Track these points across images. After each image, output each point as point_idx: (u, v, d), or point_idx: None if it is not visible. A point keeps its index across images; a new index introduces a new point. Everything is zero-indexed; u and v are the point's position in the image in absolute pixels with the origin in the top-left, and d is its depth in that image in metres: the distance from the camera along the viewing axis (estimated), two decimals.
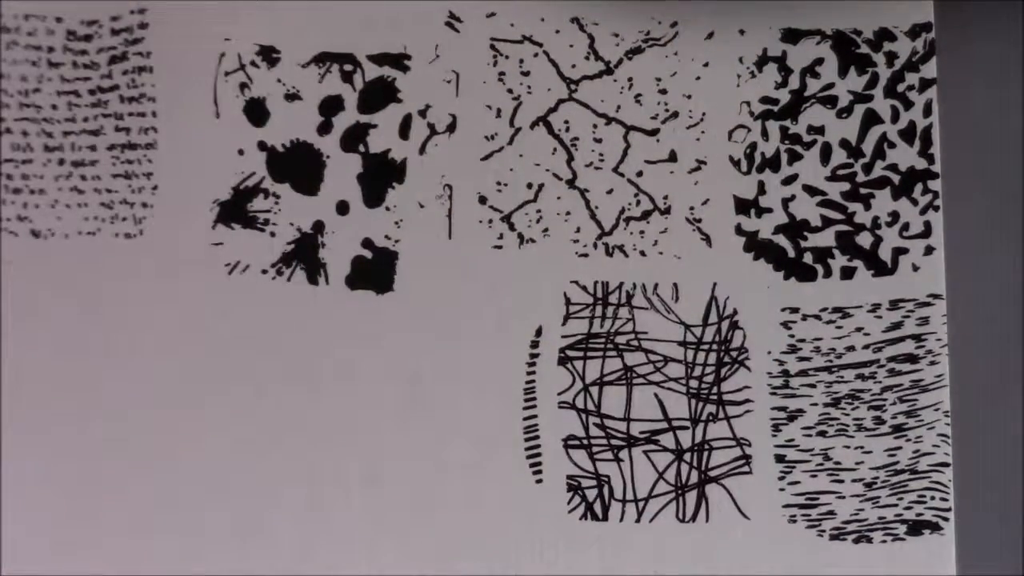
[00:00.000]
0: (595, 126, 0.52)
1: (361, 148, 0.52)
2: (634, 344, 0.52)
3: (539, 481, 0.51)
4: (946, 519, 0.50)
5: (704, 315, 0.52)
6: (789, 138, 0.52)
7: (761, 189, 0.52)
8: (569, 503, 0.51)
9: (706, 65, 0.52)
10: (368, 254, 0.52)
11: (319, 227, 0.52)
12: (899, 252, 0.51)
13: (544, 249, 0.52)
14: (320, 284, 0.52)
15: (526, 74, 0.52)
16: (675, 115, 0.52)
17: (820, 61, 0.52)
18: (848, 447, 0.51)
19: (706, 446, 0.51)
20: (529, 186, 0.52)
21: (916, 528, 0.51)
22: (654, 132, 0.52)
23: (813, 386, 0.51)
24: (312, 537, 0.51)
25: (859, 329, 0.51)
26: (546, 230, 0.52)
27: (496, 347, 0.51)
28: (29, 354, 0.52)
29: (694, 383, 0.51)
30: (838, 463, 0.51)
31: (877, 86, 0.51)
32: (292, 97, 0.52)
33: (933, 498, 0.51)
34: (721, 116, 0.52)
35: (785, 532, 0.51)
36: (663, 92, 0.52)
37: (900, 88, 0.51)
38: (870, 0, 0.51)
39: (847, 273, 0.51)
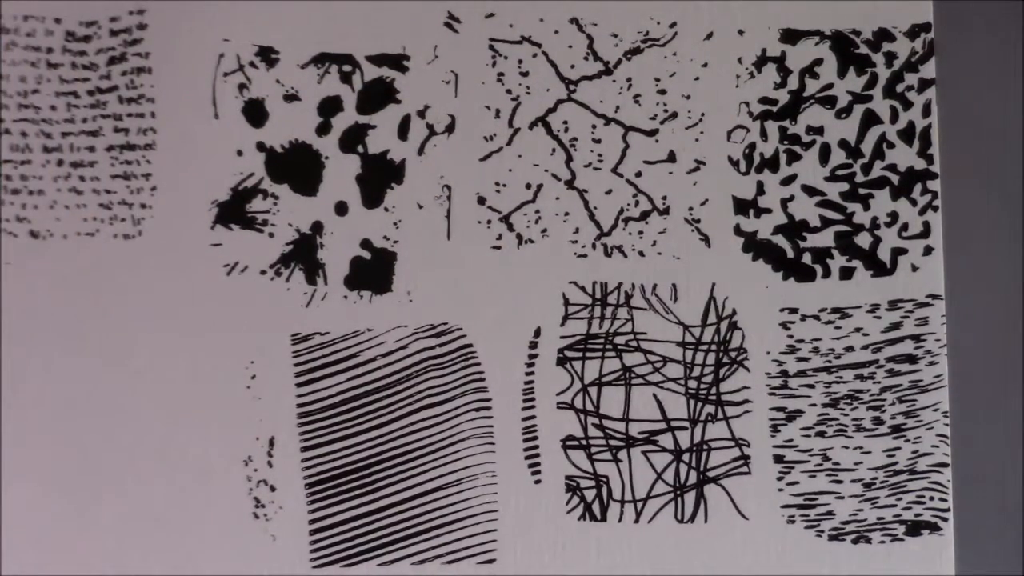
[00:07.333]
0: (594, 126, 0.52)
1: (360, 149, 0.52)
2: (633, 344, 0.52)
3: (538, 481, 0.51)
4: (945, 519, 0.50)
5: (703, 315, 0.52)
6: (788, 138, 0.52)
7: (760, 189, 0.52)
8: (568, 503, 0.51)
9: (705, 65, 0.52)
10: (367, 255, 0.52)
11: (318, 228, 0.52)
12: (898, 252, 0.51)
13: (543, 250, 0.52)
14: (319, 284, 0.52)
15: (525, 75, 0.52)
16: (674, 115, 0.52)
17: (819, 61, 0.52)
18: (847, 447, 0.51)
19: (705, 446, 0.51)
20: (528, 186, 0.52)
21: (915, 528, 0.51)
22: (653, 132, 0.52)
23: (812, 386, 0.51)
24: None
25: (858, 329, 0.51)
26: (545, 231, 0.52)
27: (495, 347, 0.51)
28: (29, 354, 0.52)
29: (693, 383, 0.51)
30: (837, 463, 0.51)
31: (876, 86, 0.51)
32: (291, 98, 0.52)
33: (932, 498, 0.51)
34: (720, 116, 0.52)
35: (784, 532, 0.51)
36: (662, 92, 0.52)
37: (899, 88, 0.51)
38: (869, 0, 0.51)
39: (846, 273, 0.51)
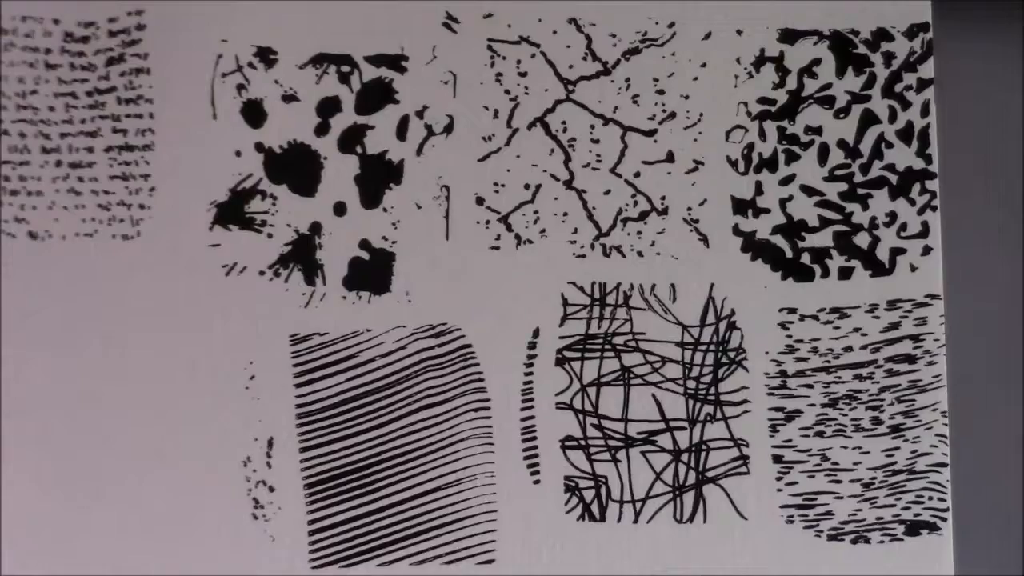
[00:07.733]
0: (592, 127, 0.52)
1: (358, 149, 0.52)
2: (632, 345, 0.52)
3: (537, 482, 0.51)
4: (944, 519, 0.50)
5: (702, 315, 0.52)
6: (787, 138, 0.52)
7: (759, 189, 0.52)
8: (567, 504, 0.51)
9: (703, 65, 0.52)
10: (365, 255, 0.52)
11: (316, 228, 0.52)
12: (897, 252, 0.51)
13: (541, 250, 0.52)
14: (317, 285, 0.52)
15: (523, 75, 0.52)
16: (672, 116, 0.52)
17: (817, 61, 0.52)
18: (846, 447, 0.51)
19: (704, 447, 0.51)
20: (526, 187, 0.52)
21: (914, 528, 0.51)
22: (651, 133, 0.52)
23: (811, 386, 0.51)
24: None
25: (857, 329, 0.51)
26: (543, 231, 0.52)
27: (494, 348, 0.51)
28: (28, 355, 0.52)
29: (692, 384, 0.51)
30: (836, 463, 0.51)
31: (875, 86, 0.51)
32: (289, 98, 0.52)
33: (931, 498, 0.51)
34: (718, 116, 0.52)
35: (783, 532, 0.51)
36: (660, 92, 0.52)
37: (898, 88, 0.51)
38: (868, 0, 0.51)
39: (845, 273, 0.51)
